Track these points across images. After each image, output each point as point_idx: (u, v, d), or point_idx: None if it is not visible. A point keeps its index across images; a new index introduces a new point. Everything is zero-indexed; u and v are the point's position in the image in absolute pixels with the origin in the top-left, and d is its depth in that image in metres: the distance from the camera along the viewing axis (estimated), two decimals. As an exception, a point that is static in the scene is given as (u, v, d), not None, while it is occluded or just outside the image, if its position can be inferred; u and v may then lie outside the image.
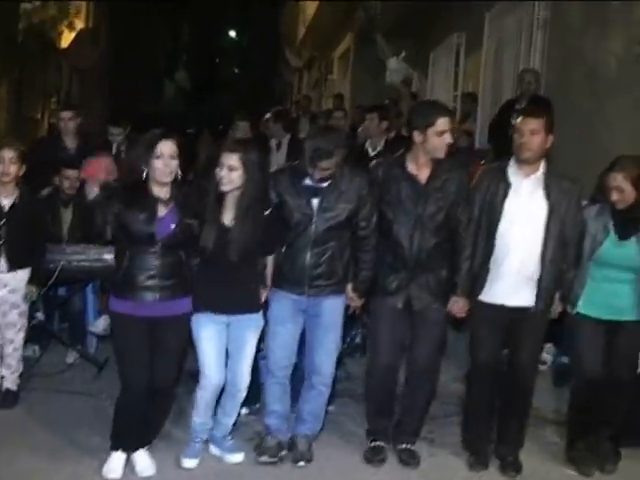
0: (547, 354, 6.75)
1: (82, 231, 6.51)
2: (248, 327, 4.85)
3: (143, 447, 4.83)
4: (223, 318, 4.81)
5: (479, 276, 4.95)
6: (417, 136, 4.85)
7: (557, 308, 5.08)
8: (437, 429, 5.58)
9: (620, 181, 4.82)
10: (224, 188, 4.68)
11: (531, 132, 4.79)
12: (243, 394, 4.95)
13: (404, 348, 5.19)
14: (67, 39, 22.34)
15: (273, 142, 9.28)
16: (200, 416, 4.93)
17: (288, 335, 4.96)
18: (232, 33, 45.08)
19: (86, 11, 24.53)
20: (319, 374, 4.99)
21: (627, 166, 4.84)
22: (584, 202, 5.11)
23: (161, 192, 4.63)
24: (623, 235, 4.92)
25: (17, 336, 5.69)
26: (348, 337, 6.33)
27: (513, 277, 4.88)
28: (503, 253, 4.88)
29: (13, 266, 5.56)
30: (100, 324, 6.56)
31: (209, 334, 4.79)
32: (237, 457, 5.01)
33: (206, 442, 5.05)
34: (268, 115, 10.15)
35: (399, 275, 4.95)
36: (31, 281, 5.64)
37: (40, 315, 6.34)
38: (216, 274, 4.75)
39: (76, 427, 5.28)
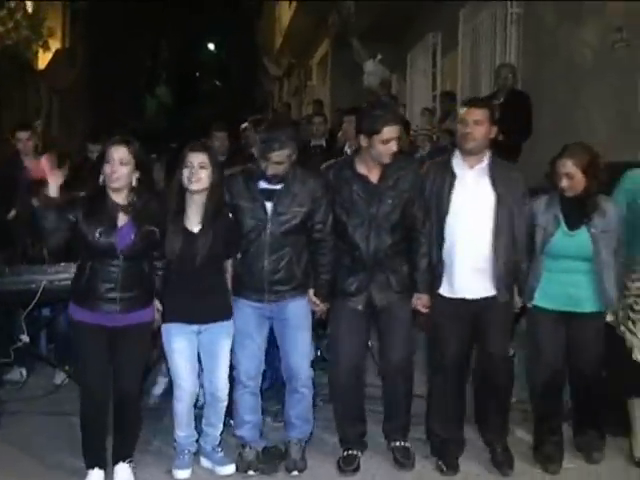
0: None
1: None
2: (220, 335, 4.84)
3: (123, 460, 4.78)
4: (194, 327, 4.79)
5: (436, 270, 4.94)
6: (362, 140, 4.84)
7: (517, 302, 5.05)
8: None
9: (570, 167, 4.79)
10: (193, 187, 4.64)
11: (475, 122, 4.81)
12: (224, 402, 4.93)
13: (366, 350, 5.20)
14: (44, 60, 22.26)
15: (254, 151, 9.21)
16: (182, 429, 4.91)
17: (255, 345, 4.94)
18: (211, 46, 45.05)
19: (62, 32, 24.44)
20: (298, 378, 4.97)
21: (577, 153, 4.82)
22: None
23: (119, 198, 4.57)
24: (573, 225, 4.88)
25: None
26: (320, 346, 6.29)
27: (468, 269, 4.86)
28: (454, 245, 4.87)
29: None
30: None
31: (181, 345, 4.78)
32: (228, 469, 4.97)
33: (197, 454, 5.02)
34: (245, 124, 10.12)
35: (358, 276, 4.93)
36: None
37: (25, 337, 6.25)
38: (185, 283, 4.72)
39: (64, 449, 5.18)
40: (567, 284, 4.91)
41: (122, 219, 4.57)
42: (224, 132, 8.02)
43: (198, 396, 5.02)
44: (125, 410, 4.75)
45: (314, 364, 6.24)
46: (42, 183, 6.59)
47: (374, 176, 4.90)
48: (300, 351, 4.95)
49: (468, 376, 5.22)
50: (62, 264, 6.09)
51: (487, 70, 10.43)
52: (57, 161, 7.17)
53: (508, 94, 8.69)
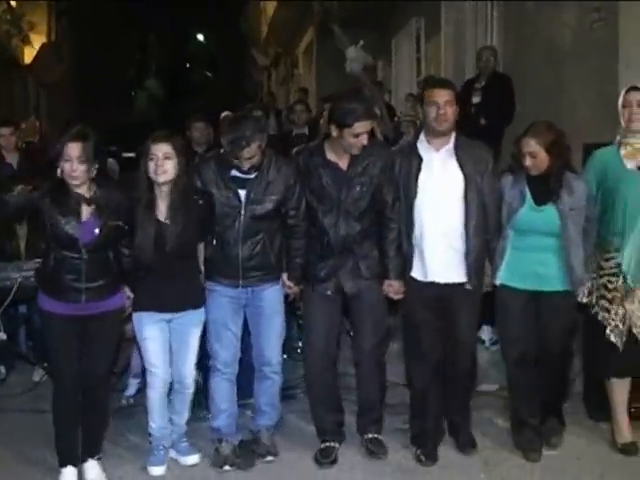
0: (485, 336, 6.79)
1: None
2: (191, 323, 4.82)
3: (92, 457, 4.74)
4: (165, 315, 4.76)
5: (407, 254, 4.90)
6: (333, 130, 4.80)
7: (489, 281, 4.98)
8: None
9: (533, 146, 4.73)
10: (159, 179, 4.59)
11: (446, 103, 4.75)
12: (191, 390, 4.92)
13: (339, 336, 5.17)
14: (30, 55, 22.18)
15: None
16: (155, 420, 4.86)
17: (231, 334, 4.92)
18: (200, 37, 44.92)
19: (48, 25, 24.33)
20: (269, 364, 4.97)
21: (541, 132, 4.76)
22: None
23: (81, 190, 4.50)
24: (539, 201, 4.82)
25: None
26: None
27: (439, 252, 4.83)
28: (424, 229, 4.82)
29: None
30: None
31: (153, 333, 4.76)
32: (192, 459, 4.96)
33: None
34: (225, 114, 10.06)
35: (327, 262, 4.91)
36: None
37: (2, 335, 6.19)
38: (156, 272, 4.68)
39: (43, 446, 5.03)
40: (535, 263, 4.85)
41: (86, 212, 4.50)
42: (203, 122, 7.94)
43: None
44: (93, 402, 4.70)
45: (293, 354, 6.26)
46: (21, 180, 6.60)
47: (343, 163, 4.86)
48: (273, 338, 4.95)
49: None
50: (38, 260, 6.03)
51: (470, 54, 10.35)
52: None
53: (490, 77, 8.66)
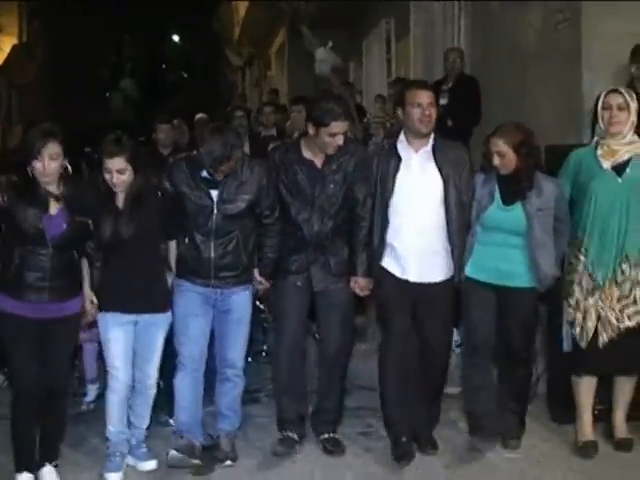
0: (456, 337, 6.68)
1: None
2: (156, 325, 4.82)
3: (50, 462, 4.68)
4: (131, 317, 4.75)
5: (377, 251, 4.93)
6: (310, 128, 4.85)
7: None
8: (376, 422, 5.41)
9: (500, 146, 4.79)
10: (118, 190, 4.65)
11: (430, 105, 4.81)
12: (153, 392, 4.91)
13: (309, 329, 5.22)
14: (1, 57, 22.06)
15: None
16: (114, 424, 4.84)
17: (199, 328, 4.91)
18: (175, 38, 44.78)
19: (19, 27, 24.20)
20: (232, 367, 4.97)
21: (509, 132, 4.84)
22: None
23: (50, 187, 4.49)
24: (508, 200, 4.87)
25: None
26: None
27: (413, 252, 4.87)
28: (401, 229, 4.86)
29: None
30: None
31: (117, 335, 4.74)
32: (150, 465, 4.92)
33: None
34: (199, 115, 10.09)
35: (300, 257, 4.95)
36: None
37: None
38: (118, 269, 4.69)
39: (3, 452, 4.92)
40: (499, 258, 4.90)
41: (54, 207, 4.49)
42: (168, 124, 7.94)
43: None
44: (52, 406, 4.65)
45: (258, 358, 6.24)
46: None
47: (319, 161, 4.92)
48: (238, 341, 4.96)
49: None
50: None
51: (439, 55, 10.28)
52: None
53: (457, 79, 8.66)
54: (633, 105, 4.86)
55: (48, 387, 4.59)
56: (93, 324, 4.88)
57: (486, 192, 4.91)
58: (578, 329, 4.95)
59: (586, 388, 5.06)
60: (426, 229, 4.86)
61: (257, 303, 5.64)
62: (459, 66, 8.69)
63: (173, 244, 4.87)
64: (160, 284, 4.82)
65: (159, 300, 4.81)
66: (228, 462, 4.91)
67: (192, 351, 4.89)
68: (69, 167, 4.55)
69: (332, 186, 4.88)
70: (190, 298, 4.86)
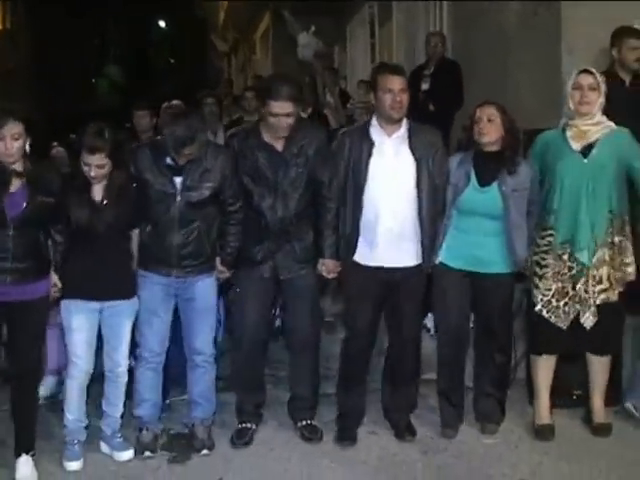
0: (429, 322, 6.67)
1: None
2: (123, 313, 4.77)
3: (26, 453, 4.63)
4: (95, 305, 4.70)
5: (350, 239, 4.88)
6: (262, 109, 4.83)
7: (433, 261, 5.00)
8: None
9: (492, 111, 4.80)
10: (95, 182, 4.60)
11: (401, 90, 4.76)
12: (124, 380, 4.87)
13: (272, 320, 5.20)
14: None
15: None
16: (72, 412, 4.79)
17: (161, 322, 4.87)
18: (161, 23, 44.54)
19: (2, 13, 24.02)
20: (200, 353, 4.94)
21: (499, 104, 4.87)
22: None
23: (13, 165, 4.43)
24: (484, 181, 4.85)
25: None
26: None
27: (389, 237, 4.83)
28: (375, 214, 4.82)
29: None
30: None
31: (80, 323, 4.69)
32: (126, 454, 4.87)
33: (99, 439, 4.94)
34: (167, 104, 9.94)
35: (264, 245, 4.89)
36: None
37: None
38: (87, 257, 4.64)
39: None
40: (474, 245, 4.88)
41: (15, 185, 4.43)
42: (146, 111, 7.84)
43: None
44: (22, 392, 4.63)
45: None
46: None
47: (279, 144, 4.84)
48: (206, 331, 4.93)
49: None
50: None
51: (421, 40, 10.23)
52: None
53: (438, 63, 8.62)
54: (603, 86, 4.86)
55: (17, 372, 4.55)
56: (54, 308, 4.81)
57: (462, 174, 4.87)
58: (542, 307, 4.94)
59: (544, 369, 5.08)
60: (400, 214, 4.82)
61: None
62: (440, 50, 8.65)
63: (136, 232, 4.81)
64: (126, 271, 4.77)
65: (124, 287, 4.75)
66: (205, 451, 4.89)
67: (153, 344, 4.87)
68: (27, 148, 4.46)
69: (294, 170, 4.81)
70: (152, 290, 4.81)
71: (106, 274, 4.64)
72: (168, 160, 4.69)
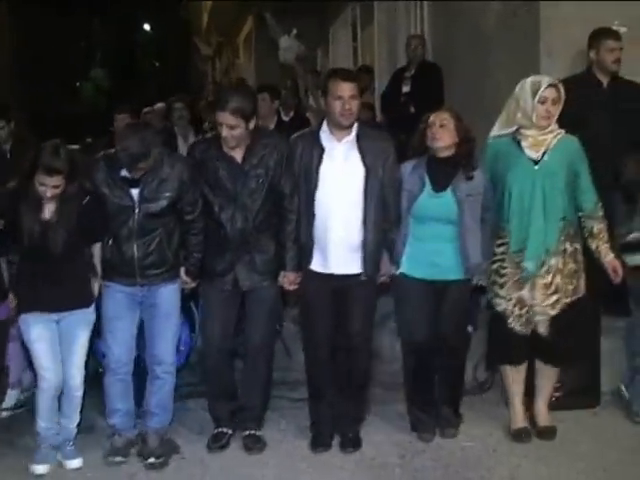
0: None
1: None
2: (78, 323, 4.72)
3: None
4: (53, 316, 4.66)
5: (306, 247, 4.86)
6: None
7: (387, 271, 4.96)
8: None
9: (445, 116, 4.82)
10: (47, 202, 4.55)
11: (352, 97, 4.72)
12: (79, 393, 4.82)
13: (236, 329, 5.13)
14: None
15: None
16: (44, 419, 4.76)
17: (126, 331, 4.84)
18: (147, 26, 44.49)
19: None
20: (161, 364, 4.89)
21: (453, 110, 4.93)
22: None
23: None
24: (438, 186, 4.84)
25: None
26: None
27: (339, 244, 4.80)
28: (325, 221, 4.80)
29: None
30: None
31: (39, 333, 4.65)
32: (75, 463, 4.83)
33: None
34: (147, 109, 9.96)
35: (225, 256, 4.85)
36: None
37: None
38: (40, 271, 4.60)
39: None
40: (432, 252, 4.86)
41: None
42: (126, 114, 7.83)
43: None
44: None
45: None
46: None
47: (238, 155, 4.80)
48: (166, 338, 4.89)
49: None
50: None
51: (402, 42, 10.22)
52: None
53: (419, 65, 8.64)
54: (563, 96, 4.86)
55: None
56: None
57: (416, 179, 4.85)
58: (507, 317, 4.93)
59: (516, 377, 5.07)
60: (351, 220, 4.79)
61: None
62: (421, 53, 8.68)
63: (98, 247, 4.75)
64: (81, 283, 4.72)
65: (79, 296, 4.70)
66: (151, 459, 4.81)
67: (119, 354, 4.83)
68: None
69: (254, 181, 4.76)
70: (117, 299, 4.78)
71: (60, 286, 4.60)
72: (123, 172, 4.65)
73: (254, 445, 4.99)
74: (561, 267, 4.85)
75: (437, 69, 8.56)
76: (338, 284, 4.84)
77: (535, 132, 4.84)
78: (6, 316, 4.58)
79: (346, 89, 4.70)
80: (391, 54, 10.85)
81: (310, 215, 4.81)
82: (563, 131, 4.91)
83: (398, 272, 4.93)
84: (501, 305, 4.95)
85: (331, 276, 4.83)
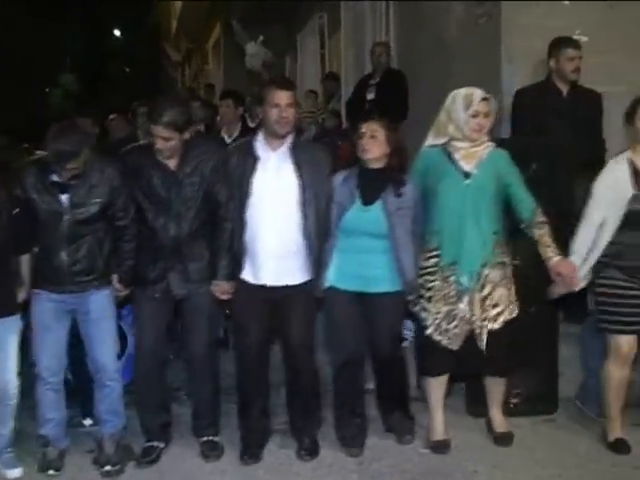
0: (408, 330, 6.63)
1: None
2: (6, 330, 4.65)
3: None
4: None
5: (237, 257, 4.84)
6: None
7: (321, 283, 4.92)
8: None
9: (376, 128, 4.78)
10: None
11: (288, 105, 4.69)
12: (14, 400, 4.75)
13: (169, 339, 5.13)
14: None
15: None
16: None
17: (55, 339, 4.78)
18: (117, 32, 44.33)
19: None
20: (104, 370, 4.84)
21: (382, 122, 4.84)
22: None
23: None
24: (368, 200, 4.81)
25: None
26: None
27: (272, 256, 4.77)
28: (258, 231, 4.77)
29: None
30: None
31: None
32: (15, 472, 4.76)
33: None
34: (113, 115, 9.87)
35: (157, 264, 4.82)
36: None
37: None
38: None
39: None
40: (360, 264, 4.82)
41: None
42: (89, 119, 7.79)
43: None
44: None
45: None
46: None
47: (172, 163, 4.77)
48: (104, 343, 4.83)
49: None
50: None
51: (369, 50, 10.31)
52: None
53: (384, 73, 8.65)
54: (495, 110, 4.89)
55: None
56: None
57: (346, 191, 4.82)
58: (434, 330, 4.86)
59: (436, 388, 5.05)
60: (283, 231, 4.75)
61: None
62: (385, 60, 8.69)
63: (26, 257, 4.68)
64: (5, 288, 4.63)
65: (5, 303, 4.62)
66: (108, 467, 4.77)
67: (49, 364, 4.77)
68: None
69: (189, 189, 4.73)
70: (46, 308, 4.72)
71: None
72: (54, 177, 4.60)
73: (211, 452, 4.96)
74: (498, 280, 4.81)
75: (402, 76, 8.57)
76: (270, 296, 4.81)
77: (467, 144, 4.82)
78: None
79: (283, 97, 4.68)
80: (358, 61, 10.88)
81: (242, 224, 4.78)
82: (493, 144, 4.89)
83: (326, 285, 4.89)
84: (428, 320, 4.88)
85: (263, 287, 4.81)
